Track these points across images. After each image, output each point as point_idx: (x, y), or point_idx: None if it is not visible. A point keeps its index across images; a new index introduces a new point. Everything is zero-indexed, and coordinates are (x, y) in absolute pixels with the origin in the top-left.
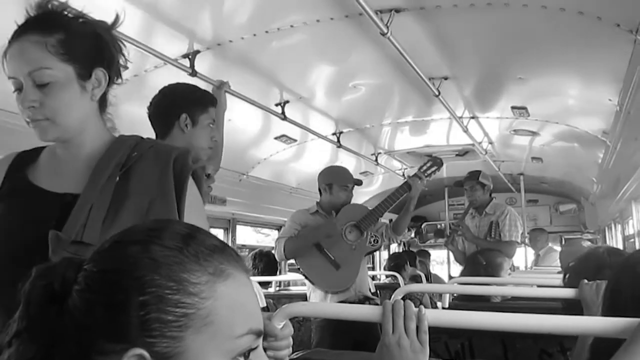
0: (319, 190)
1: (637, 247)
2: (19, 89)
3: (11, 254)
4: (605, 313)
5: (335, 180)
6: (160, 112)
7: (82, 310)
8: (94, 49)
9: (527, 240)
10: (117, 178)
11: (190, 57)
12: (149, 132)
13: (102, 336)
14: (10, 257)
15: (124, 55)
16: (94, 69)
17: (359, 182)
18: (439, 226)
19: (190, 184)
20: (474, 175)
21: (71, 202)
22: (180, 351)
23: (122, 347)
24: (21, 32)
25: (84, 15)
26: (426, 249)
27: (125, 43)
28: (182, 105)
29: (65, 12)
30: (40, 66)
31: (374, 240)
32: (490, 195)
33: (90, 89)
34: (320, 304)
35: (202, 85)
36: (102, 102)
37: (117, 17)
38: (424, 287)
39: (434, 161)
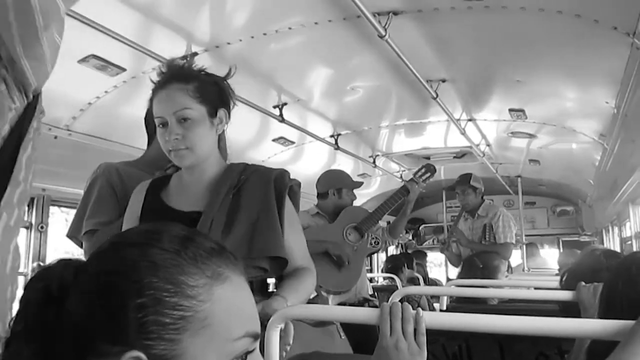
0: (324, 193)
1: (635, 250)
2: (164, 125)
3: None
4: (602, 315)
5: (345, 184)
6: (149, 118)
7: (80, 312)
8: (217, 94)
9: (523, 239)
10: (231, 197)
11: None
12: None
13: (99, 338)
14: None
15: (233, 101)
16: (218, 109)
17: (360, 184)
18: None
19: (287, 199)
20: (465, 178)
21: (196, 218)
22: (177, 354)
23: (119, 349)
24: (164, 82)
25: (205, 70)
26: (423, 250)
27: (123, 44)
28: None
29: (193, 67)
30: (184, 107)
31: (374, 242)
32: (482, 197)
33: (216, 124)
34: (318, 306)
35: None
36: (219, 137)
37: (229, 71)
38: (421, 289)
39: (428, 168)
